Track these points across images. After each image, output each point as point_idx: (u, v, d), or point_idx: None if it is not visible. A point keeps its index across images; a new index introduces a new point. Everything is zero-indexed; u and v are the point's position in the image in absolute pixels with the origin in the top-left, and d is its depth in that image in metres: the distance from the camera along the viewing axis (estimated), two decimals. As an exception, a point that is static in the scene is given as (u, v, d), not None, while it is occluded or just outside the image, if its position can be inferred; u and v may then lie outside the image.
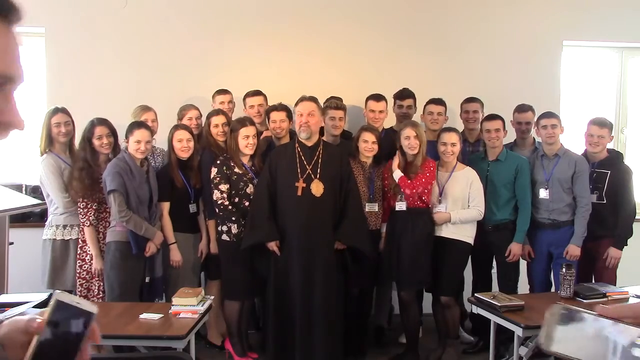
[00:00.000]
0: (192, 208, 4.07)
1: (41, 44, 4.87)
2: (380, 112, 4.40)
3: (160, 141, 4.27)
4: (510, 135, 4.45)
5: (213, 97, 4.55)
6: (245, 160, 3.97)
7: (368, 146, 4.03)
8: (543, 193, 4.13)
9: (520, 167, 4.13)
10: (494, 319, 3.48)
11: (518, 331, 3.23)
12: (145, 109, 4.26)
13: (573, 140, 4.74)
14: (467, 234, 4.01)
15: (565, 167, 4.10)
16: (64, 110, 4.03)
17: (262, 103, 4.48)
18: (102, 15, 4.85)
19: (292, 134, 4.21)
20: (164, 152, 4.25)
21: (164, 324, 3.13)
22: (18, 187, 4.61)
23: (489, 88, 4.92)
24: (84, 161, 3.83)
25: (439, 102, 4.50)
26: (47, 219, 4.07)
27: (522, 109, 4.42)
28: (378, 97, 4.42)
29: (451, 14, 5.18)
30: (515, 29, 5.21)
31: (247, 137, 3.89)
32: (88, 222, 3.83)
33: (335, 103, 4.26)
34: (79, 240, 3.92)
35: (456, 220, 3.96)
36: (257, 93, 4.49)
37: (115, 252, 3.75)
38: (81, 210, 3.83)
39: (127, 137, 3.80)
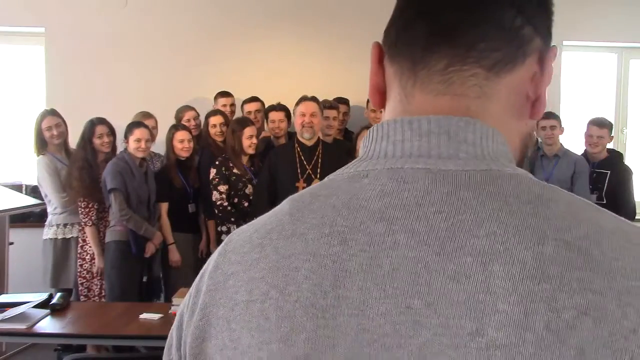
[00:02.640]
0: (191, 208, 4.07)
1: (41, 44, 4.88)
2: (382, 112, 4.39)
3: (160, 142, 4.26)
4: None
5: (215, 98, 4.55)
6: (244, 160, 3.98)
7: None
8: (543, 193, 4.14)
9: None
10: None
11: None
12: (146, 115, 4.23)
13: (573, 140, 4.74)
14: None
15: (565, 168, 4.11)
16: (53, 113, 4.01)
17: (260, 109, 4.48)
18: (102, 15, 4.85)
19: (290, 134, 4.20)
20: (163, 157, 4.24)
21: (164, 324, 3.12)
22: (18, 187, 4.61)
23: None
24: (84, 161, 3.82)
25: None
26: (46, 219, 4.07)
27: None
28: None
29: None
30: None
31: (251, 136, 3.89)
32: (90, 222, 3.82)
33: (328, 102, 4.25)
34: (79, 239, 3.92)
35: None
36: (255, 99, 4.49)
37: (116, 252, 3.74)
38: (82, 210, 3.82)
39: (126, 137, 3.79)
